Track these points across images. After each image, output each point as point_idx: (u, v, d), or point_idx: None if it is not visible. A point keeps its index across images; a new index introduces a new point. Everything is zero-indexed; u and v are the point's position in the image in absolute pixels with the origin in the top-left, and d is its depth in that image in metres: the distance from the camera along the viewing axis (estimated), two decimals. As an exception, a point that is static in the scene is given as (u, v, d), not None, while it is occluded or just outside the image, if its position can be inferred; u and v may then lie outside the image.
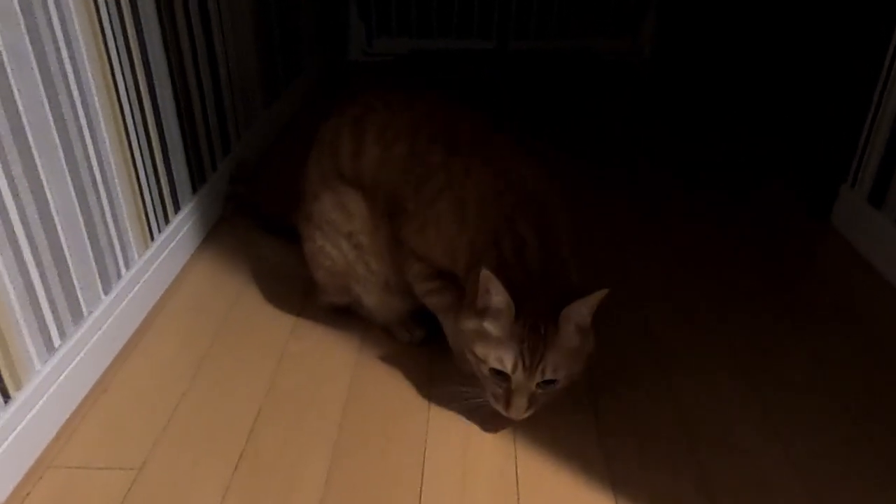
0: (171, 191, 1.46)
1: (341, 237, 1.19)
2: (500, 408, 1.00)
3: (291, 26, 2.39)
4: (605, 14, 3.02)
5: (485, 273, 0.93)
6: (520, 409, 0.97)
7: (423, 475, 1.01)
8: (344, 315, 1.31)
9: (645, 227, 1.69)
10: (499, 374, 0.97)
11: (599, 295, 0.94)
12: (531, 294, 0.95)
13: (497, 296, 0.94)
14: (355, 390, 1.17)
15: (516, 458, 1.04)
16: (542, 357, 0.94)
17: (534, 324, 0.94)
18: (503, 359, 0.95)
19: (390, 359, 1.24)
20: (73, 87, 1.10)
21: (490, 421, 1.09)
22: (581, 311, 0.95)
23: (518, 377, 0.96)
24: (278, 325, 1.33)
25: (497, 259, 0.98)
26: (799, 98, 2.53)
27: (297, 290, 1.37)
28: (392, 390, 1.17)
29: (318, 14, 2.76)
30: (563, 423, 1.10)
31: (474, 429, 1.09)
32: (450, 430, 1.09)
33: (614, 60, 3.02)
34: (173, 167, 1.47)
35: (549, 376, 0.95)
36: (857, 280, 1.49)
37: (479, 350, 0.97)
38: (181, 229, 1.49)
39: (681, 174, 1.98)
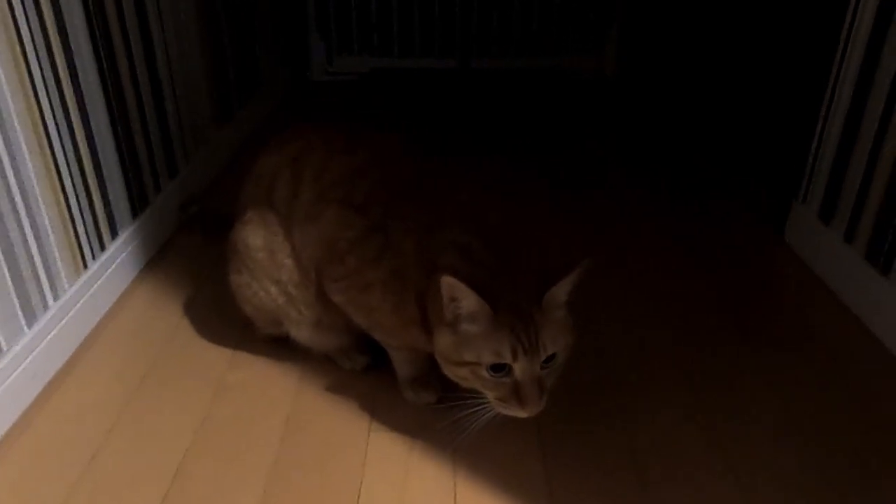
0: (107, 216, 1.40)
1: (270, 283, 1.15)
2: (511, 410, 0.91)
3: (246, 43, 2.35)
4: (567, 33, 3.03)
5: (445, 280, 0.87)
6: (535, 400, 0.90)
7: (357, 513, 0.96)
8: (286, 344, 1.25)
9: (599, 244, 1.67)
10: (500, 369, 0.90)
11: (581, 269, 0.90)
12: (501, 285, 0.91)
13: (466, 298, 0.88)
14: (293, 422, 1.12)
15: (455, 493, 1.00)
16: (538, 334, 0.89)
17: (517, 308, 0.89)
18: (500, 350, 0.88)
19: (332, 388, 1.19)
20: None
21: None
22: (565, 290, 0.92)
23: (521, 363, 0.89)
24: (216, 355, 1.27)
25: (449, 270, 0.93)
26: (754, 115, 2.55)
27: (237, 319, 1.32)
28: (331, 422, 1.12)
29: (276, 32, 2.72)
30: (506, 452, 1.06)
31: (413, 462, 1.05)
32: (389, 462, 1.05)
33: (577, 79, 3.02)
34: (109, 191, 1.41)
35: (550, 350, 0.90)
36: (810, 298, 1.47)
37: (469, 354, 0.90)
38: (118, 256, 1.43)
39: (638, 191, 1.97)
